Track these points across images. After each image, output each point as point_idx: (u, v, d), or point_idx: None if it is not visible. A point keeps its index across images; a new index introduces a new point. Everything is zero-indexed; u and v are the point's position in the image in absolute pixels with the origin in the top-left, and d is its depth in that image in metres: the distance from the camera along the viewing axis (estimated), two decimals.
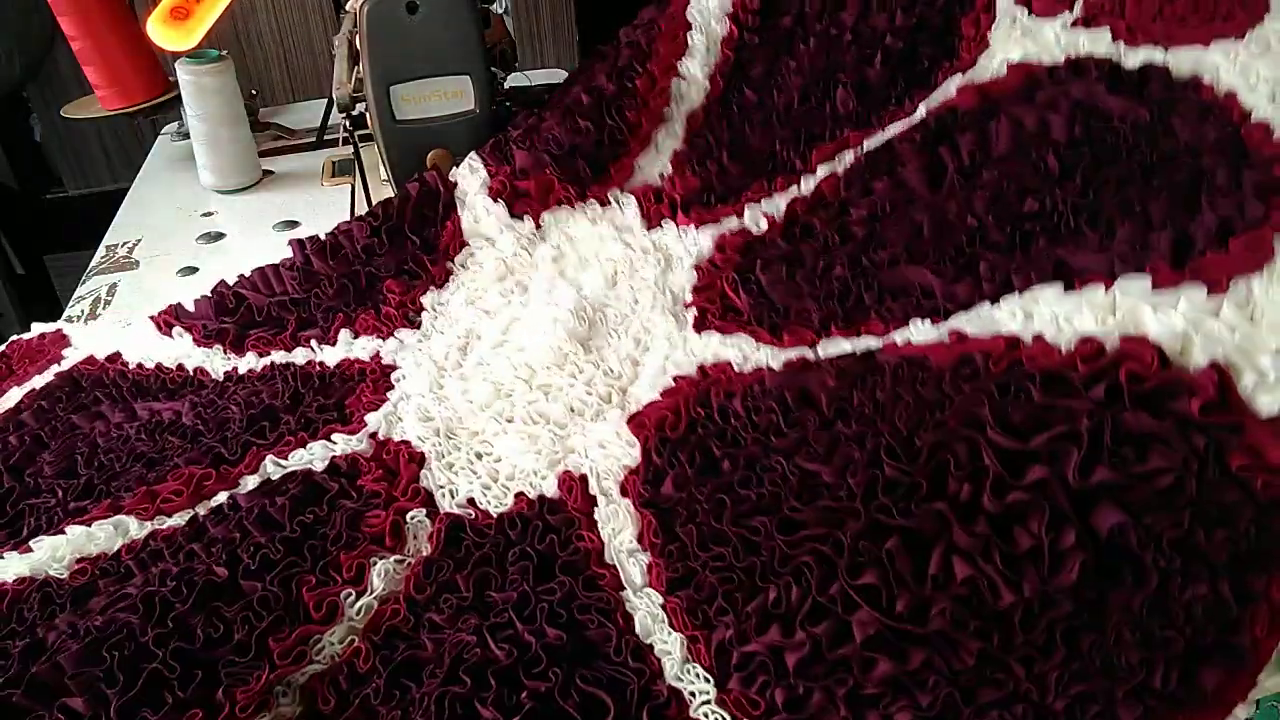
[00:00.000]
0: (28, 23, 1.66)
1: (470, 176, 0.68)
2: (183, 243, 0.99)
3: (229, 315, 0.66)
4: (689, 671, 0.42)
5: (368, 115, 0.75)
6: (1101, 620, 0.37)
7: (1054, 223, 0.51)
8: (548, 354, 0.55)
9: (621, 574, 0.46)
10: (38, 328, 0.78)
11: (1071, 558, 0.37)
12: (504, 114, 0.85)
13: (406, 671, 0.43)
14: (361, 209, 1.00)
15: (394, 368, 0.58)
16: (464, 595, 0.45)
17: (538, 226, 0.66)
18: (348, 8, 0.81)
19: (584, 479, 0.50)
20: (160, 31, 0.99)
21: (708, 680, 0.41)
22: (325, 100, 1.24)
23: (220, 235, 1.00)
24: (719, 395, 0.50)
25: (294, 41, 1.69)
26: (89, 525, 0.52)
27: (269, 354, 0.63)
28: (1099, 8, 0.58)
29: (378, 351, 0.60)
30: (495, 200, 0.66)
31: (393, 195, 0.71)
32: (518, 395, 0.54)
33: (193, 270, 0.93)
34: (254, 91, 1.27)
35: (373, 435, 0.55)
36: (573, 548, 0.47)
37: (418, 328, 0.61)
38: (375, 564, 0.47)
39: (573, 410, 0.53)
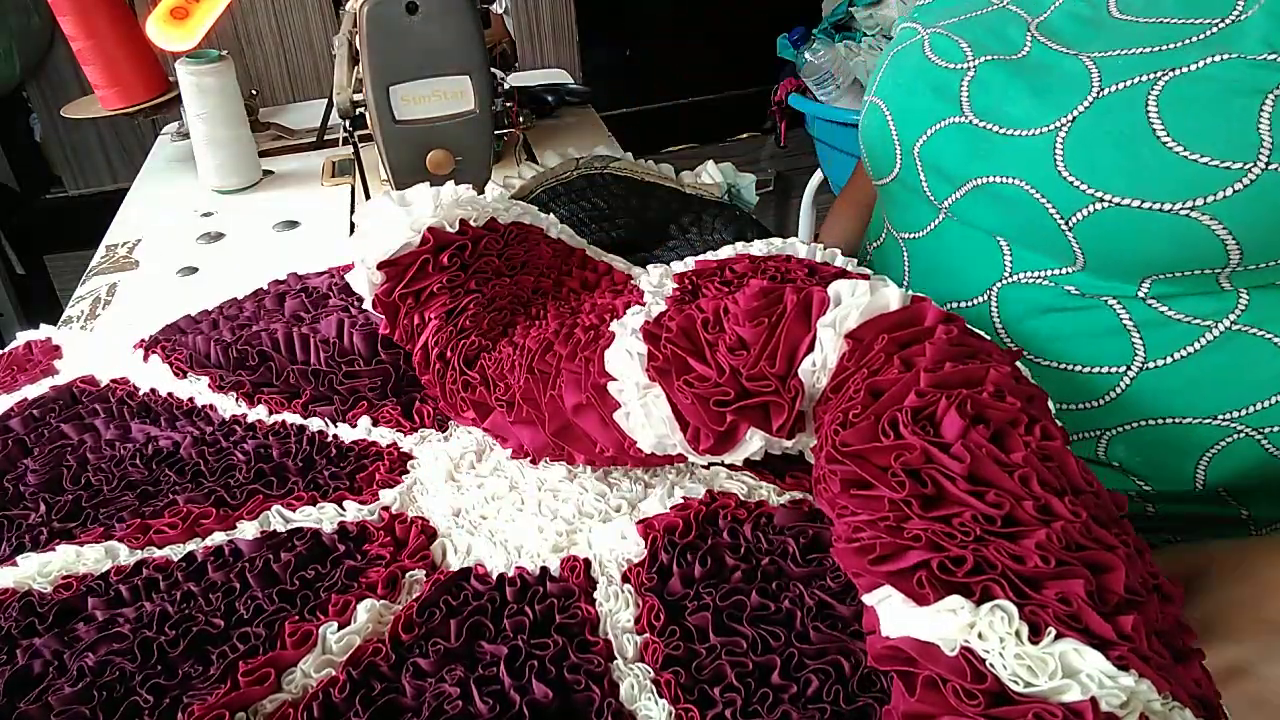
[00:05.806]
0: (28, 23, 1.66)
1: None
2: (183, 243, 0.99)
3: (247, 371, 0.67)
4: None
5: (368, 115, 0.75)
6: None
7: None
8: (562, 469, 0.59)
9: (614, 646, 0.47)
10: (23, 336, 0.78)
11: None
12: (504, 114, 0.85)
13: (384, 718, 0.43)
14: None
15: (411, 456, 0.61)
16: (453, 643, 0.46)
17: None
18: (347, 8, 0.81)
19: (587, 562, 0.52)
20: (160, 31, 0.99)
21: None
22: (325, 100, 1.24)
23: (220, 235, 1.00)
24: (727, 518, 0.53)
25: (294, 41, 1.69)
26: (79, 546, 0.52)
27: (280, 413, 0.64)
28: None
29: (395, 441, 0.63)
30: None
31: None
32: (529, 494, 0.58)
33: (193, 270, 0.93)
34: (254, 91, 1.27)
35: (385, 508, 0.57)
36: (570, 612, 0.48)
37: (443, 430, 0.64)
38: (363, 601, 0.48)
39: (581, 512, 0.56)
